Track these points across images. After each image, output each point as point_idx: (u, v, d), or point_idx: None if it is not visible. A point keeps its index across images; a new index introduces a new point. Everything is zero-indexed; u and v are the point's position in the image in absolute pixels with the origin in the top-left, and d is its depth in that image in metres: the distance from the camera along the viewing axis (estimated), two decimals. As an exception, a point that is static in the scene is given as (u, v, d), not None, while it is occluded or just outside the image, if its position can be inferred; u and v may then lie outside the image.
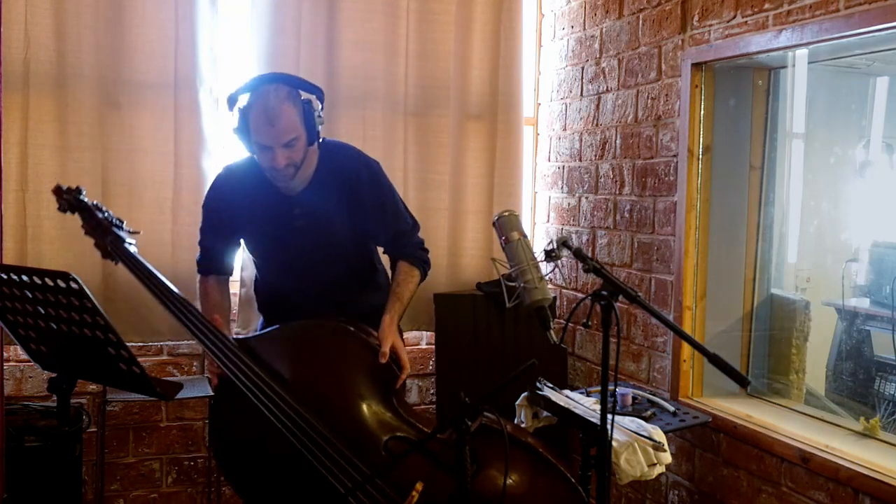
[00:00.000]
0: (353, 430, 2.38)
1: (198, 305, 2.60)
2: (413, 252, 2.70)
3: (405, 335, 3.95)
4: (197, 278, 2.75)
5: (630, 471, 2.41)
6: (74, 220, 3.39)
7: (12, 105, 3.30)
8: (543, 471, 2.41)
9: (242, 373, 2.36)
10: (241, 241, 2.76)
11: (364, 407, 2.44)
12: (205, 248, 2.73)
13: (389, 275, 2.79)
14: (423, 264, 2.71)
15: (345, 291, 2.69)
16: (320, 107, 2.52)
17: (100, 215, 2.53)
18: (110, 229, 2.51)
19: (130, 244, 2.52)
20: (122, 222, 2.57)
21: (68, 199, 2.55)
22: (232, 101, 2.51)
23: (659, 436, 2.51)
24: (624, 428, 2.54)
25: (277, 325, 2.58)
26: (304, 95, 2.50)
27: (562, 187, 3.94)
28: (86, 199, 2.57)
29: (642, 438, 2.47)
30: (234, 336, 2.49)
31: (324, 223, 2.61)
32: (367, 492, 2.27)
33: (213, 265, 2.72)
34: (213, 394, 2.58)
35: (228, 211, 2.64)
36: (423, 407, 4.04)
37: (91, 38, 3.41)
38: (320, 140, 2.55)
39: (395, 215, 2.71)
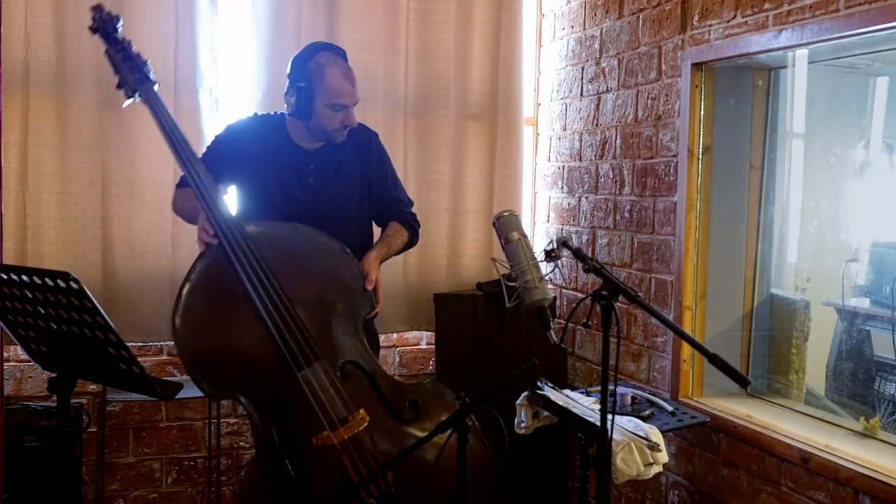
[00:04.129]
0: (319, 334, 2.52)
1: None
2: (406, 217, 2.95)
3: (404, 335, 3.98)
4: (173, 196, 2.83)
5: (626, 470, 2.41)
6: (74, 220, 3.44)
7: (12, 105, 3.29)
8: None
9: (236, 242, 2.45)
10: (235, 185, 2.79)
11: (336, 318, 2.59)
12: None
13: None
14: (413, 229, 2.95)
15: None
16: None
17: (132, 51, 2.55)
18: (141, 67, 2.55)
19: (156, 84, 2.58)
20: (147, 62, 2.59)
21: (100, 22, 2.53)
22: (295, 68, 2.67)
23: (656, 436, 2.51)
24: (620, 427, 2.54)
25: (278, 223, 2.66)
26: None
27: (562, 187, 3.94)
28: (119, 33, 2.56)
29: (638, 438, 2.47)
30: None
31: (335, 181, 2.76)
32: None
33: None
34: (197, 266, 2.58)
35: (239, 151, 2.71)
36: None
37: (91, 38, 3.35)
38: None
39: (395, 183, 2.97)
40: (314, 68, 2.64)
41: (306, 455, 2.45)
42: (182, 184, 2.79)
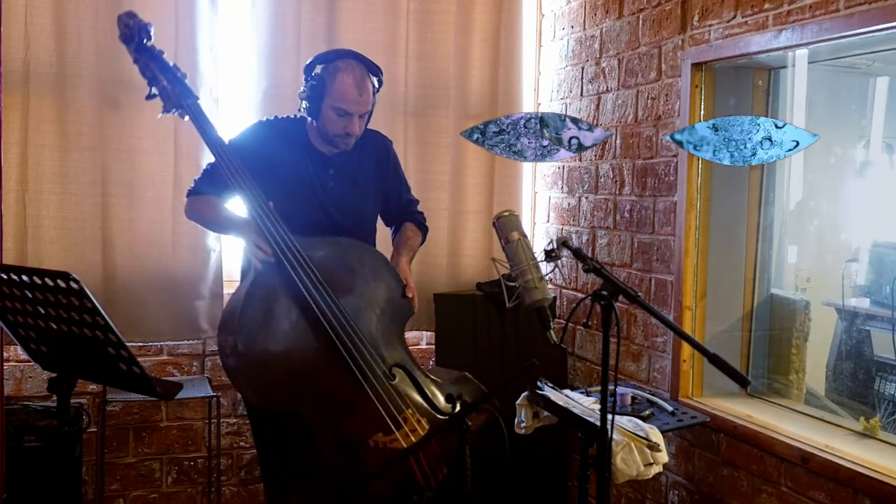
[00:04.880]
0: (372, 343, 2.58)
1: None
2: (419, 219, 3.06)
3: (406, 335, 3.97)
4: (187, 203, 2.79)
5: (626, 470, 2.41)
6: (74, 220, 3.44)
7: (12, 105, 3.29)
8: None
9: (297, 261, 2.48)
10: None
11: (383, 326, 2.67)
12: (213, 177, 2.73)
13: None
14: (425, 229, 3.08)
15: None
16: (379, 87, 2.80)
17: (168, 62, 2.48)
18: (182, 80, 2.49)
19: (198, 98, 2.52)
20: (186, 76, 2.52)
21: (134, 30, 2.44)
22: (312, 66, 2.69)
23: (656, 436, 2.51)
24: (621, 427, 2.54)
25: (326, 238, 2.67)
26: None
27: (562, 187, 3.94)
28: (152, 40, 2.48)
29: (638, 438, 2.47)
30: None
31: (352, 186, 2.81)
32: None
33: (212, 193, 2.74)
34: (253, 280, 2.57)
35: (263, 154, 2.70)
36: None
37: (91, 38, 3.41)
38: None
39: (407, 187, 3.07)
40: (330, 69, 2.66)
41: (361, 456, 2.48)
42: (196, 191, 2.77)
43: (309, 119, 2.74)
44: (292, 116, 2.86)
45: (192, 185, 2.81)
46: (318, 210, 2.75)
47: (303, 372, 2.48)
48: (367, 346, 2.53)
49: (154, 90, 2.49)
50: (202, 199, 2.76)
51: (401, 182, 3.02)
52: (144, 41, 2.45)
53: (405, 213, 3.03)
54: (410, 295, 2.75)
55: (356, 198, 2.83)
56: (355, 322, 2.54)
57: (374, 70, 2.76)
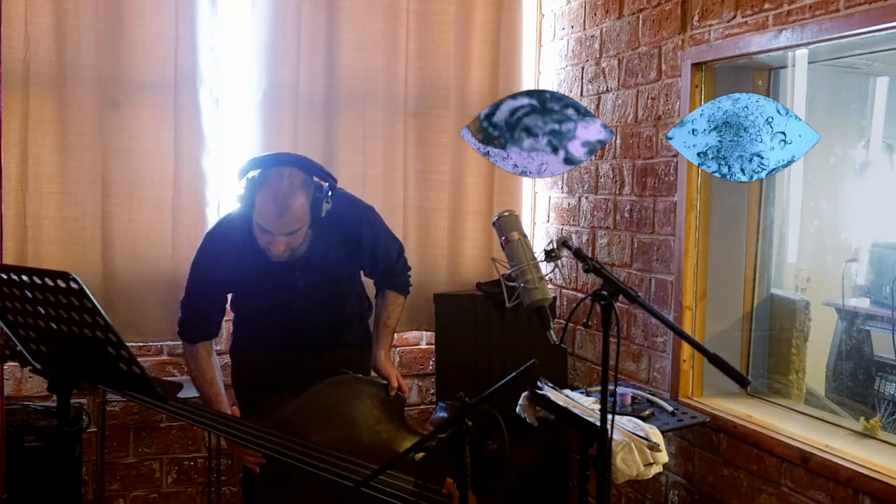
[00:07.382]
0: (385, 457, 2.52)
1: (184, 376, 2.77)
2: (399, 280, 2.94)
3: (404, 335, 3.98)
4: (182, 347, 2.74)
5: (626, 470, 2.41)
6: (74, 220, 3.44)
7: (12, 105, 3.29)
8: None
9: (287, 451, 2.47)
10: (230, 291, 2.78)
11: (387, 435, 2.69)
12: (194, 311, 2.69)
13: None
14: (406, 289, 2.98)
15: (324, 335, 2.80)
16: (330, 193, 2.52)
17: None
18: None
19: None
20: None
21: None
22: (243, 172, 2.51)
23: (656, 436, 2.51)
24: (621, 427, 2.54)
25: (299, 398, 2.63)
26: (317, 180, 2.52)
27: (562, 187, 3.94)
28: None
29: (638, 438, 2.47)
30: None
31: (325, 282, 2.69)
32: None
33: (202, 329, 2.70)
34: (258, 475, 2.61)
35: (223, 270, 2.64)
36: (423, 407, 4.04)
37: (91, 38, 3.40)
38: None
39: (387, 255, 2.87)
40: (259, 178, 2.46)
41: None
42: (182, 334, 2.71)
43: None
44: (243, 214, 2.55)
45: (178, 322, 2.72)
46: (294, 310, 2.69)
47: None
48: (385, 471, 2.49)
49: None
50: (191, 352, 2.69)
51: (377, 252, 2.81)
52: None
53: (387, 278, 2.92)
54: (393, 393, 2.74)
55: (328, 284, 2.71)
56: (364, 455, 2.54)
57: (323, 175, 2.53)
